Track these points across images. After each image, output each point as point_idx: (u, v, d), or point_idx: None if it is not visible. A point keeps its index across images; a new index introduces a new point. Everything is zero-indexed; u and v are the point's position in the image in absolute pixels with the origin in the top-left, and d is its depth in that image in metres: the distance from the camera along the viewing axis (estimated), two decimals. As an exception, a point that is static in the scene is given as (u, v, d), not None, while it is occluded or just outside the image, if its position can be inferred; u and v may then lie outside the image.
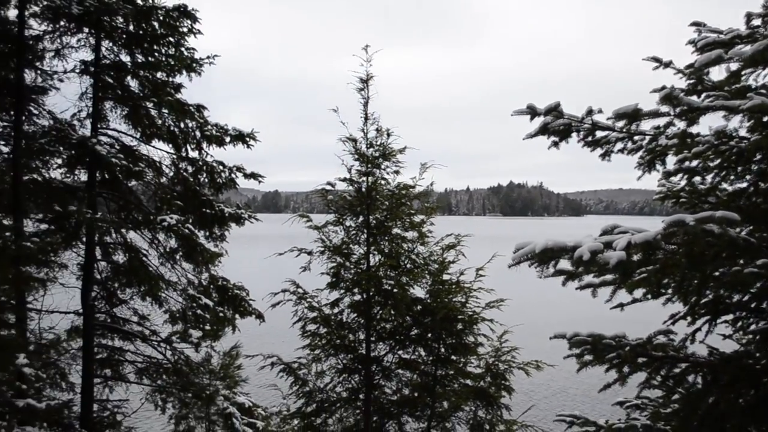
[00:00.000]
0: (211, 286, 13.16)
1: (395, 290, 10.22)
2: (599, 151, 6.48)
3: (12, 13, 12.50)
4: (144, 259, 12.51)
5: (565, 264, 5.00)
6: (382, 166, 10.69)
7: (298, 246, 11.02)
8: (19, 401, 10.15)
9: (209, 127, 12.70)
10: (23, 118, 12.25)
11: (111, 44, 12.92)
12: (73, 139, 11.82)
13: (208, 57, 13.17)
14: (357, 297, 10.79)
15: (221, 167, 13.07)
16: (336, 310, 10.97)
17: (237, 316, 12.89)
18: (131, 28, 12.66)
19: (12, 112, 12.96)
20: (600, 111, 6.07)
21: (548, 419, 16.57)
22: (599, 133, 6.30)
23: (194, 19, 12.46)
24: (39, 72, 12.39)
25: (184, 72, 13.06)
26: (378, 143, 10.63)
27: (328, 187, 10.92)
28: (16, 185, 11.90)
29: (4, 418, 10.02)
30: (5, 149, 13.66)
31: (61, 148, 12.31)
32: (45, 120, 13.09)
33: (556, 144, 6.26)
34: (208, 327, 12.23)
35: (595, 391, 7.60)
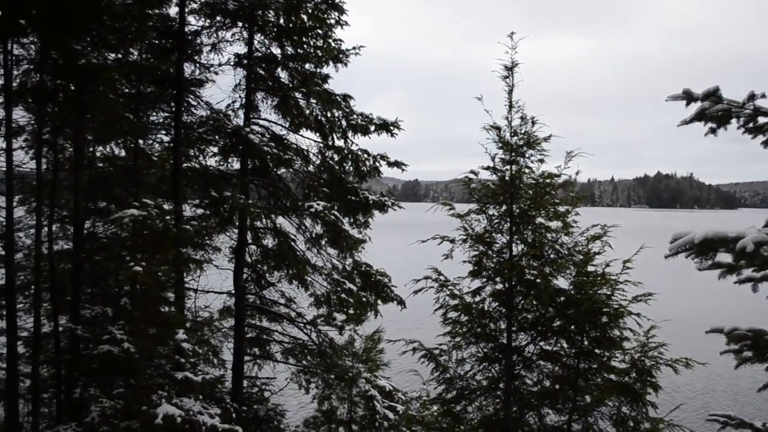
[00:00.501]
0: (355, 272, 14.21)
1: (538, 280, 10.47)
2: (761, 138, 6.48)
3: (173, 11, 14.18)
4: (292, 243, 13.80)
5: (723, 257, 5.11)
6: (527, 155, 11.01)
7: (440, 234, 11.68)
8: (177, 374, 11.47)
9: (354, 116, 13.69)
10: (182, 109, 13.91)
11: (262, 37, 14.20)
12: (228, 128, 13.24)
13: (354, 48, 14.13)
14: (499, 286, 11.11)
15: (366, 155, 14.03)
16: (477, 299, 11.38)
17: (379, 301, 13.85)
18: (281, 21, 13.90)
19: (172, 104, 14.74)
20: (763, 95, 6.08)
21: (694, 420, 16.20)
22: (761, 119, 6.31)
23: (341, 11, 13.44)
24: (198, 65, 14.00)
25: (331, 63, 14.15)
26: (522, 131, 10.97)
27: (471, 176, 11.40)
28: (176, 172, 13.55)
29: (163, 389, 11.49)
30: (165, 138, 15.54)
31: (217, 137, 13.85)
32: (202, 110, 14.72)
33: (713, 131, 6.33)
34: (351, 311, 13.26)
35: (743, 392, 7.63)
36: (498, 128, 11.17)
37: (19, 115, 13.99)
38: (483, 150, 11.41)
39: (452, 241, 11.60)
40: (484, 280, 11.39)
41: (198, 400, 11.36)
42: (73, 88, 12.22)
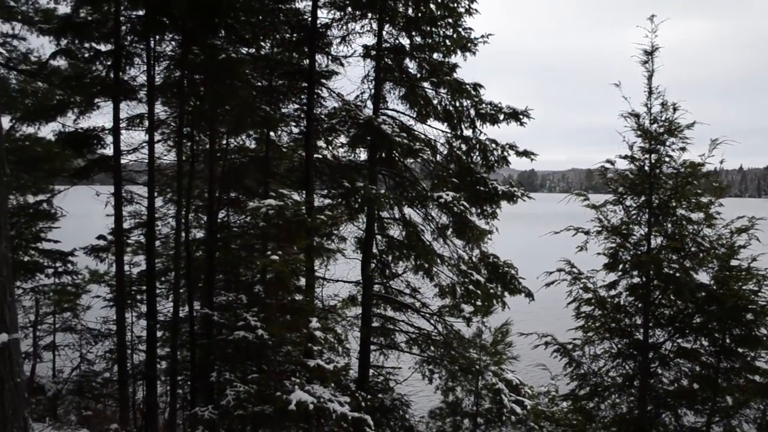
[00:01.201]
0: (481, 263, 15.03)
1: (678, 274, 10.57)
2: None
3: (303, 5, 15.43)
4: (420, 234, 14.79)
5: None
6: (667, 143, 11.11)
7: (574, 225, 12.15)
8: (310, 361, 12.56)
9: (484, 105, 14.40)
10: (314, 100, 15.17)
11: (391, 28, 15.24)
12: (360, 119, 14.36)
13: (482, 36, 14.83)
14: (635, 280, 11.25)
15: (494, 145, 14.72)
16: (612, 293, 11.61)
17: (506, 293, 14.58)
18: (410, 11, 14.87)
19: (302, 96, 16.07)
20: None
21: None
22: None
23: (472, -2, 14.22)
24: (330, 57, 15.24)
25: (459, 51, 14.94)
26: (663, 118, 11.19)
27: (608, 165, 11.80)
28: (308, 163, 14.83)
29: (296, 375, 12.43)
30: (295, 129, 16.92)
31: (347, 128, 15.06)
32: (333, 102, 15.94)
33: None
34: (479, 303, 14.08)
35: None
36: (637, 115, 11.15)
37: (159, 109, 15.80)
38: (610, 138, 11.40)
39: (587, 232, 11.72)
40: (620, 273, 11.52)
41: (327, 387, 12.24)
42: (211, 82, 13.71)
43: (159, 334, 16.69)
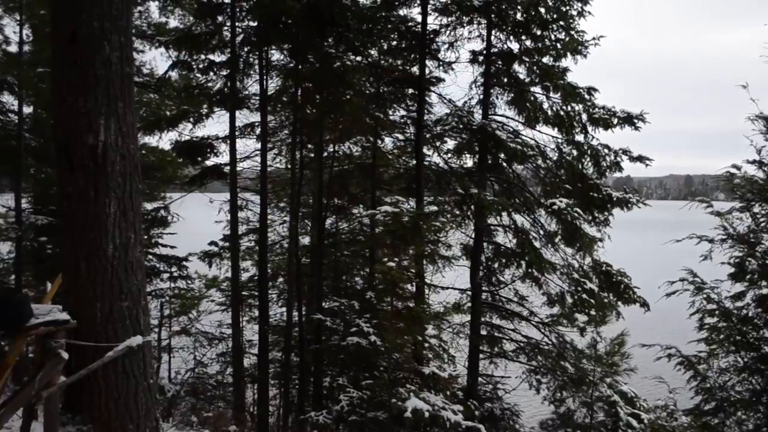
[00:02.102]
0: (593, 271, 15.06)
1: None
2: None
3: (414, 11, 15.87)
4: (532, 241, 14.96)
5: None
6: None
7: (697, 233, 12.06)
8: (424, 368, 12.96)
9: (597, 109, 14.46)
10: (424, 107, 15.55)
11: (499, 33, 15.46)
12: (474, 124, 14.67)
13: (593, 38, 14.86)
14: (764, 291, 11.34)
15: (606, 150, 14.73)
16: (739, 304, 11.56)
17: (620, 303, 14.57)
18: (519, 16, 15.05)
19: (409, 102, 16.49)
20: None
21: None
22: None
23: (585, 1, 14.30)
24: (441, 63, 15.63)
25: (569, 55, 15.02)
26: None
27: (734, 171, 11.72)
28: (419, 169, 15.21)
29: (410, 382, 12.80)
30: (400, 136, 17.37)
31: (458, 134, 15.40)
32: (440, 108, 16.31)
33: None
34: (593, 312, 14.13)
35: None
36: (765, 118, 11.28)
37: (269, 117, 16.52)
38: (737, 143, 11.41)
39: (711, 241, 11.75)
40: (747, 284, 11.31)
41: (440, 395, 12.28)
42: (325, 90, 14.29)
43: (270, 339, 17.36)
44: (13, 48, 16.88)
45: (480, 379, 15.83)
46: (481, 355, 15.86)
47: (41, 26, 16.43)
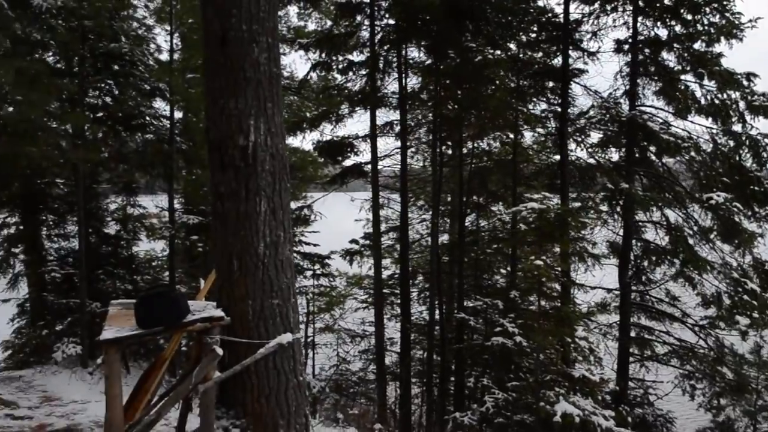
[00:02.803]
0: (753, 270, 13.95)
1: None
2: None
3: (553, 1, 15.39)
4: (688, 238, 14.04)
5: None
6: None
7: None
8: (574, 371, 12.46)
9: (756, 96, 13.40)
10: (567, 100, 15.01)
11: (645, 20, 14.67)
12: (622, 116, 14.00)
13: (750, 21, 13.75)
14: None
15: (767, 140, 13.65)
16: None
17: (787, 305, 13.38)
18: (667, 0, 14.19)
19: (549, 95, 15.99)
20: None
21: None
22: None
23: (742, -22, 13.26)
24: (585, 53, 15.04)
25: (723, 39, 14.00)
26: None
27: None
28: (563, 164, 14.67)
29: (559, 385, 12.35)
30: (540, 131, 16.88)
31: (604, 126, 14.75)
32: (585, 100, 15.75)
33: None
34: (755, 314, 13.08)
35: None
36: None
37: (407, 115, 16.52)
38: None
39: None
40: None
41: (589, 399, 11.76)
42: (466, 85, 14.09)
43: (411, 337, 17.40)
44: (164, 56, 17.87)
45: (630, 383, 15.09)
46: (630, 358, 15.11)
47: (190, 34, 17.29)
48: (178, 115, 17.40)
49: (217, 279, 5.56)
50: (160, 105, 17.10)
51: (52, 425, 7.57)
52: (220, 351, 4.91)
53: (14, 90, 12.97)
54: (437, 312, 15.68)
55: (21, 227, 16.45)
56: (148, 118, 16.51)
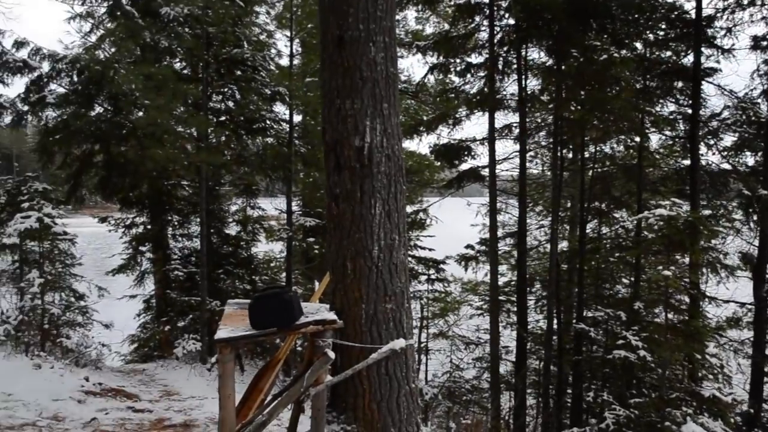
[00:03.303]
0: None
1: None
2: None
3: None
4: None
5: None
6: None
7: None
8: (704, 390, 11.68)
9: None
10: (699, 101, 14.17)
11: (787, 13, 13.68)
12: (761, 117, 13.08)
13: None
14: None
15: None
16: None
17: None
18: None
19: (677, 96, 15.16)
20: None
21: None
22: None
23: None
24: (719, 51, 14.18)
25: None
26: None
27: None
28: (693, 169, 13.84)
29: (685, 404, 11.68)
30: (668, 133, 16.04)
31: (739, 128, 13.85)
32: (719, 100, 14.81)
33: None
34: None
35: None
36: None
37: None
38: None
39: None
40: None
41: (719, 420, 10.99)
42: (589, 86, 13.56)
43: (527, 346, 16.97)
44: (284, 61, 18.31)
45: (765, 404, 14.03)
46: (765, 378, 14.07)
47: (309, 39, 17.65)
48: (297, 118, 17.79)
49: (331, 281, 5.54)
50: (280, 109, 17.54)
51: (170, 420, 7.81)
52: (331, 354, 4.87)
53: (143, 95, 13.60)
54: (555, 321, 15.17)
55: (148, 227, 17.28)
56: (268, 122, 16.94)
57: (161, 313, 16.42)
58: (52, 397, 7.91)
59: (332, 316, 4.95)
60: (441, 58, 15.62)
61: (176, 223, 17.51)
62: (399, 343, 5.28)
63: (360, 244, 5.23)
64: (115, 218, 17.69)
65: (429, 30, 19.56)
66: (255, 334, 4.79)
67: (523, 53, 14.85)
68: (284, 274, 18.30)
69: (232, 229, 18.04)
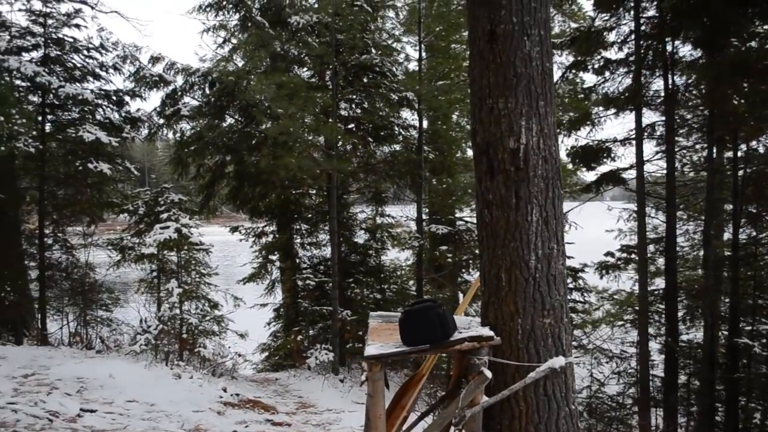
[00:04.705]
0: None
1: None
2: None
3: None
4: None
5: None
6: None
7: None
8: None
9: None
10: None
11: None
12: None
13: None
14: None
15: None
16: None
17: None
18: None
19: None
20: None
21: None
22: None
23: None
24: None
25: None
26: None
27: None
28: None
29: None
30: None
31: None
32: None
33: None
34: None
35: None
36: None
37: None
38: None
39: None
40: None
41: None
42: (745, 81, 12.61)
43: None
44: (411, 65, 18.23)
45: None
46: None
47: (437, 42, 17.47)
48: (425, 124, 17.64)
49: (484, 293, 5.26)
50: (407, 115, 17.46)
51: (311, 434, 7.76)
52: (488, 374, 4.61)
53: (274, 104, 13.86)
54: (708, 334, 14.18)
55: (277, 236, 17.64)
56: (396, 129, 16.90)
57: (291, 322, 16.68)
58: (192, 408, 8.05)
59: (489, 332, 4.69)
60: (578, 56, 15.05)
61: (304, 232, 17.77)
62: (558, 361, 4.96)
63: (515, 253, 4.93)
64: (245, 227, 18.16)
65: (556, 29, 18.99)
66: (406, 351, 4.60)
67: (670, 47, 14.00)
68: (411, 282, 18.18)
69: (360, 237, 18.11)
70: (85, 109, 15.03)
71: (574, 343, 18.88)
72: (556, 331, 5.07)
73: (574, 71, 16.02)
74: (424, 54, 18.21)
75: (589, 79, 17.90)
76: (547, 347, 5.02)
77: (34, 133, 14.00)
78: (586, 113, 15.25)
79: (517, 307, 4.98)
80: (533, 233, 4.93)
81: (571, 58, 16.18)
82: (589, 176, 17.46)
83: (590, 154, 15.49)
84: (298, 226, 17.88)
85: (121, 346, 13.41)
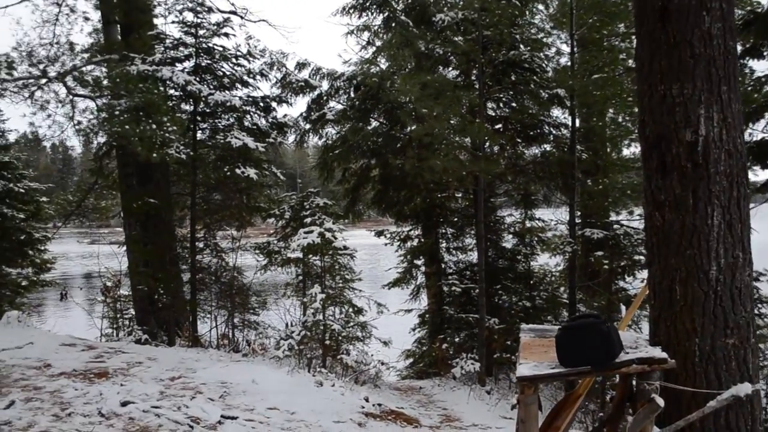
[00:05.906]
0: None
1: None
2: None
3: None
4: None
5: None
6: None
7: None
8: None
9: None
10: None
11: None
12: None
13: None
14: None
15: None
16: None
17: None
18: None
19: None
20: None
21: None
22: None
23: None
24: None
25: None
26: None
27: None
28: None
29: None
30: None
31: None
32: None
33: None
34: None
35: None
36: None
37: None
38: None
39: None
40: None
41: None
42: None
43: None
44: (563, 60, 17.40)
45: None
46: None
47: (591, 34, 16.51)
48: (578, 122, 16.75)
49: (654, 307, 4.66)
50: (558, 113, 16.67)
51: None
52: (660, 402, 4.02)
53: (420, 104, 13.60)
54: None
55: (422, 240, 17.38)
56: (546, 128, 16.19)
57: (436, 329, 16.36)
58: (333, 419, 7.85)
59: (660, 353, 4.09)
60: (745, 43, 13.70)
61: (450, 236, 17.42)
62: (744, 389, 4.29)
63: (693, 262, 4.31)
64: (390, 231, 18.06)
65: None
66: (564, 372, 4.10)
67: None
68: (562, 289, 17.32)
69: (508, 242, 17.50)
70: (234, 115, 15.39)
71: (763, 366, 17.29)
72: (741, 354, 4.40)
73: (747, 58, 14.60)
74: (576, 48, 17.30)
75: (760, 67, 16.32)
76: (730, 372, 4.37)
77: (186, 140, 14.47)
78: (763, 103, 13.85)
79: (694, 325, 4.36)
80: (714, 239, 4.29)
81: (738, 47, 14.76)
82: (763, 175, 15.95)
83: (766, 150, 14.06)
84: (443, 230, 17.54)
85: (266, 350, 13.55)
